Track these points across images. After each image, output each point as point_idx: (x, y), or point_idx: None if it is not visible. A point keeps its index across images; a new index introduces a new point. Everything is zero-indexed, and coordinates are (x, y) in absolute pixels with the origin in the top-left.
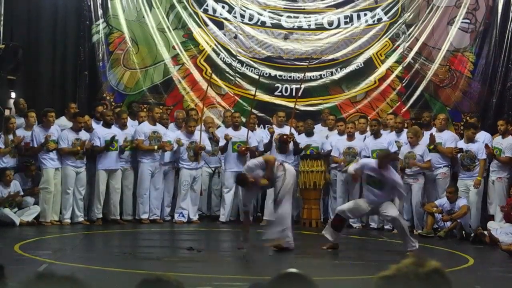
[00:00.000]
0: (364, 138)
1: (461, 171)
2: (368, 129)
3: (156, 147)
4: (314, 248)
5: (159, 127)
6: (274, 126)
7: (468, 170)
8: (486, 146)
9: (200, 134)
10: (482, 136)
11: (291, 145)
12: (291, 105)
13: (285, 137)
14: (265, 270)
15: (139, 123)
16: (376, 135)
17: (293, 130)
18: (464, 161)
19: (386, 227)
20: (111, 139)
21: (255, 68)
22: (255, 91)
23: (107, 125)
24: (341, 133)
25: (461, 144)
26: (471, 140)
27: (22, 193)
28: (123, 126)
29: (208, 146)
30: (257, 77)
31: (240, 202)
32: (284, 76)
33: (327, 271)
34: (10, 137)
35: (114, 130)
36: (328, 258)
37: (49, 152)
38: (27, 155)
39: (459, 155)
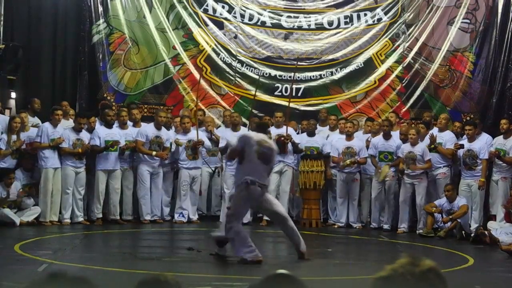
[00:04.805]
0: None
1: (463, 171)
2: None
3: (154, 153)
4: (314, 248)
5: (163, 132)
6: (272, 127)
7: (470, 169)
8: (493, 153)
9: (196, 131)
10: (484, 138)
11: (289, 145)
12: (292, 105)
13: (282, 138)
14: (265, 270)
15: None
16: (387, 136)
17: (290, 130)
18: (467, 160)
19: (385, 226)
20: (112, 143)
21: (255, 68)
22: (255, 91)
23: (108, 125)
24: (342, 132)
25: (464, 143)
26: (472, 138)
27: (21, 190)
28: (123, 125)
29: (208, 144)
30: (257, 77)
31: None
32: (284, 76)
33: (327, 271)
34: (14, 137)
35: (115, 130)
36: (328, 258)
37: (55, 148)
38: (31, 154)
39: (461, 152)
